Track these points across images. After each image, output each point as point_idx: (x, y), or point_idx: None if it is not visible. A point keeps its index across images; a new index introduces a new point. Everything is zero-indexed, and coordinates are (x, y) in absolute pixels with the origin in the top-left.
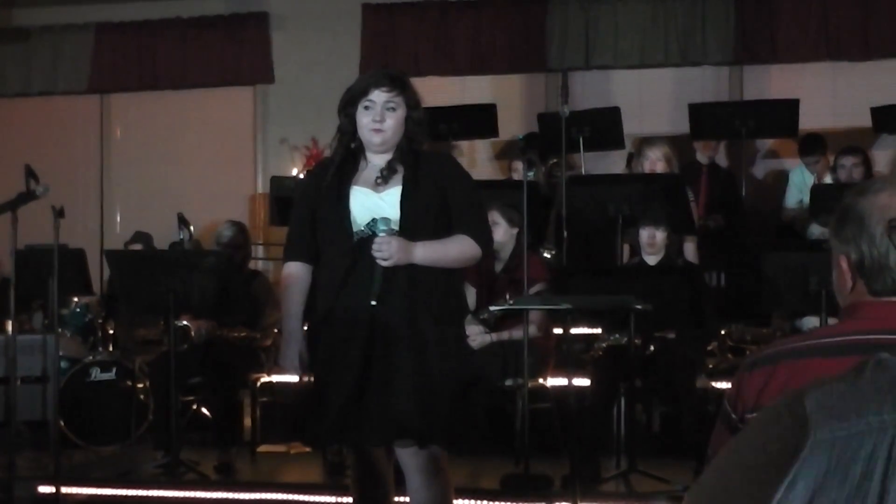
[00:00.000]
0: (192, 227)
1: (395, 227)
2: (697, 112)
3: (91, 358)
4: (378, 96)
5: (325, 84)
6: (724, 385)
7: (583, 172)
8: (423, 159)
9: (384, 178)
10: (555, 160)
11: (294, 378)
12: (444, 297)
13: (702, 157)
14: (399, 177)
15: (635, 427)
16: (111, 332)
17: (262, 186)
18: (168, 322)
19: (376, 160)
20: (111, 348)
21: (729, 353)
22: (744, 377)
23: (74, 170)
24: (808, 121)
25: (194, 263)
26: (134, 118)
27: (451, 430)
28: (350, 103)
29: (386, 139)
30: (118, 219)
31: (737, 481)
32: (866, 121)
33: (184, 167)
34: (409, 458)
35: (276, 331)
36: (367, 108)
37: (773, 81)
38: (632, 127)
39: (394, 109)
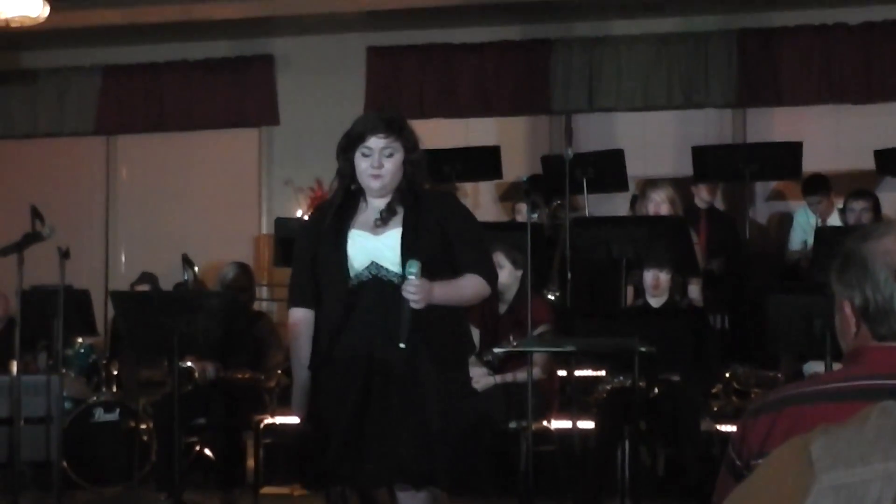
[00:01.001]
0: (196, 268)
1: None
2: (701, 154)
3: (95, 399)
4: (375, 143)
5: (329, 126)
6: (728, 428)
7: (586, 214)
8: (424, 199)
9: (383, 221)
10: (559, 202)
11: (297, 420)
12: (446, 338)
13: (700, 201)
14: (398, 219)
15: (639, 470)
16: (115, 372)
17: (266, 228)
18: (172, 363)
19: (376, 202)
20: (115, 389)
21: (733, 395)
22: (748, 423)
23: (80, 211)
24: (812, 163)
25: (198, 304)
26: (140, 160)
27: (452, 471)
28: (348, 148)
29: (384, 184)
30: (123, 259)
31: None
32: (869, 163)
33: (189, 208)
34: (408, 499)
35: (279, 372)
36: (364, 154)
37: (776, 124)
38: (635, 169)
39: (391, 155)
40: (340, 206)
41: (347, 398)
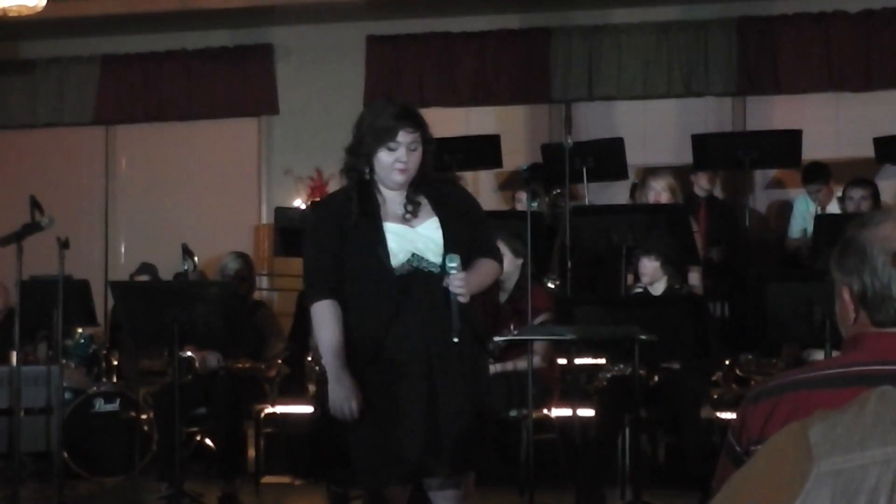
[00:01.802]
0: (196, 258)
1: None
2: (700, 142)
3: (95, 389)
4: (403, 137)
5: (329, 115)
6: (728, 415)
7: (586, 203)
8: (439, 188)
9: (413, 213)
10: (558, 191)
11: (306, 411)
12: (473, 327)
13: (700, 189)
14: (427, 209)
15: (640, 458)
16: (115, 362)
17: (266, 217)
18: (172, 353)
19: (392, 194)
20: (115, 379)
21: (734, 383)
22: (747, 409)
23: (79, 201)
24: (811, 151)
25: (198, 294)
26: (139, 149)
27: (483, 456)
28: (375, 143)
29: (409, 178)
30: (123, 249)
31: None
32: (869, 151)
33: (188, 198)
34: (440, 487)
35: (280, 361)
36: (391, 149)
37: (775, 112)
38: (635, 157)
39: (415, 149)
40: (360, 200)
41: (409, 393)
